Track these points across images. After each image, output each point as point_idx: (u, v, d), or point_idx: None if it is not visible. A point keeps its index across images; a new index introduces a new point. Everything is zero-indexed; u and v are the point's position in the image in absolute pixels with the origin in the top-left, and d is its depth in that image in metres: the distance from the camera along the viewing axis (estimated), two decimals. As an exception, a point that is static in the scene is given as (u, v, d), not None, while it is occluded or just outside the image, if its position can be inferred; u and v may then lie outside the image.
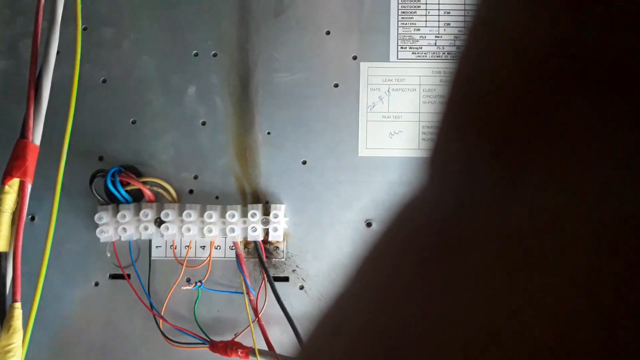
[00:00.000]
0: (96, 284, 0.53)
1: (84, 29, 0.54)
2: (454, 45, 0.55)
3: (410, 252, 0.11)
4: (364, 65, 0.54)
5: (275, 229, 0.51)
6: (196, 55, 0.54)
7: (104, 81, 0.54)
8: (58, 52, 0.51)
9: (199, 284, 0.51)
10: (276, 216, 0.51)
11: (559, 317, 0.08)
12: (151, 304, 0.51)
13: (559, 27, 0.10)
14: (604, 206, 0.09)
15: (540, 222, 0.09)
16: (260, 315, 0.50)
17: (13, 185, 0.41)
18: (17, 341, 0.40)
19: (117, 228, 0.51)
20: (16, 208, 0.42)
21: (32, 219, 0.53)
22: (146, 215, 0.51)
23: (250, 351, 0.48)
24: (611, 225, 0.09)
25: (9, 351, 0.39)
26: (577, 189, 0.09)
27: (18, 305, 0.40)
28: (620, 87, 0.09)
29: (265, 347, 0.49)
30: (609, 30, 0.10)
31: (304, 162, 0.53)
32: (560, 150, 0.10)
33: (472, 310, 0.09)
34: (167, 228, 0.51)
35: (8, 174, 0.41)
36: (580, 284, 0.09)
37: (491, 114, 0.11)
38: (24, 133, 0.43)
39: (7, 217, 0.41)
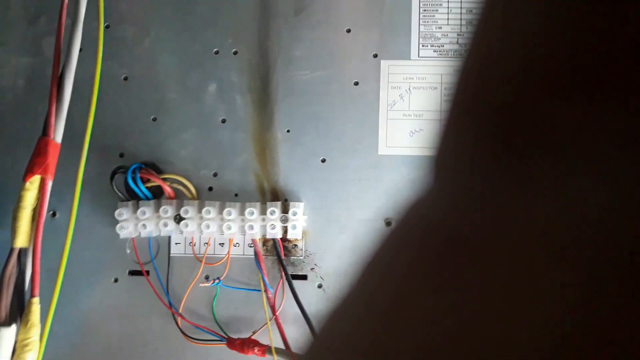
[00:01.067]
0: (115, 280, 0.52)
1: (106, 27, 0.54)
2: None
3: (420, 250, 0.11)
4: (384, 63, 0.53)
5: (294, 227, 0.50)
6: (217, 53, 0.54)
7: (126, 78, 0.54)
8: (80, 50, 0.50)
9: (217, 281, 0.50)
10: (295, 214, 0.50)
11: (568, 318, 0.08)
12: (169, 301, 0.50)
13: (565, 27, 0.10)
14: (611, 206, 0.09)
15: (547, 221, 0.09)
16: (277, 313, 0.49)
17: (34, 182, 0.41)
18: (35, 336, 0.39)
19: (137, 224, 0.50)
20: (36, 204, 0.41)
21: (54, 214, 0.52)
22: (166, 212, 0.50)
23: (267, 349, 0.47)
24: (617, 224, 0.09)
25: (26, 345, 0.39)
26: (583, 189, 0.09)
27: (36, 300, 0.40)
28: (627, 87, 0.09)
29: (282, 345, 0.48)
30: (612, 30, 0.09)
31: (323, 160, 0.52)
32: (567, 150, 0.10)
33: (484, 309, 0.09)
34: (187, 225, 0.50)
35: (29, 171, 0.41)
36: (588, 283, 0.09)
37: (497, 114, 0.11)
38: (45, 131, 0.42)
39: (27, 213, 0.40)
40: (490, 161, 0.11)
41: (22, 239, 0.40)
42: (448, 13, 0.54)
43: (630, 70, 0.09)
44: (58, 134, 0.43)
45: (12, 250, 0.40)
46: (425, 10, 0.53)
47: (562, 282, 0.09)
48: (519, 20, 0.11)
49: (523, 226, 0.10)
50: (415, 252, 0.11)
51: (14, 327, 0.40)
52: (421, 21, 0.53)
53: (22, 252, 0.40)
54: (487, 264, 0.10)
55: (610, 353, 0.08)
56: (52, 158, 0.42)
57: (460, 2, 0.53)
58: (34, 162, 0.41)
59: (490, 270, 0.09)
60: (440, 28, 0.54)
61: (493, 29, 0.11)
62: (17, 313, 0.40)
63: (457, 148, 0.12)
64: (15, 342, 0.39)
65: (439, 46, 0.53)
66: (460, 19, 0.53)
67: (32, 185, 0.40)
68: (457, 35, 0.53)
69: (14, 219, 0.40)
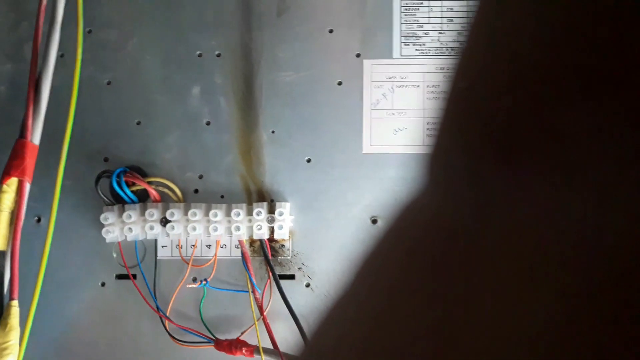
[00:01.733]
0: (102, 284, 0.51)
1: (89, 32, 0.53)
2: (457, 42, 0.53)
3: (412, 251, 0.11)
4: (367, 63, 0.52)
5: (281, 227, 0.49)
6: (200, 55, 0.53)
7: (109, 83, 0.53)
8: (62, 55, 0.50)
9: (204, 282, 0.49)
10: (281, 214, 0.49)
11: (564, 318, 0.08)
12: (157, 305, 0.49)
13: (560, 31, 0.10)
14: (608, 207, 0.09)
15: (543, 221, 0.09)
16: (265, 314, 0.48)
17: (11, 184, 0.40)
18: (14, 339, 0.39)
19: (122, 228, 0.50)
20: (15, 207, 0.40)
21: (39, 220, 0.52)
22: (152, 215, 0.49)
23: (255, 349, 0.46)
24: (616, 226, 0.09)
25: (5, 348, 0.38)
26: (580, 190, 0.09)
27: (15, 303, 0.39)
28: (623, 88, 0.09)
29: (270, 345, 0.47)
30: (610, 30, 0.09)
31: (309, 160, 0.51)
32: (563, 151, 0.09)
33: (476, 309, 0.09)
34: (173, 227, 0.49)
35: (6, 173, 0.40)
36: (584, 285, 0.08)
37: (493, 114, 0.11)
38: (23, 133, 0.42)
39: (5, 216, 0.39)
40: (485, 162, 0.10)
41: (0, 242, 0.39)
42: (429, 12, 0.53)
43: (629, 74, 0.09)
44: (36, 136, 0.42)
45: (-10, 253, 0.39)
46: (406, 10, 0.53)
47: (556, 283, 0.09)
48: (514, 23, 0.10)
49: (517, 227, 0.09)
50: (408, 252, 0.11)
51: (-7, 330, 0.39)
52: (402, 20, 0.53)
53: (0, 256, 0.39)
54: (480, 264, 0.09)
55: (613, 353, 0.08)
56: (30, 160, 0.41)
57: (441, 0, 0.53)
58: (11, 164, 0.40)
59: (484, 271, 0.09)
60: (422, 27, 0.53)
61: (487, 30, 0.11)
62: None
63: (451, 149, 0.12)
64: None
65: (420, 44, 0.53)
66: (441, 17, 0.53)
67: (9, 188, 0.40)
68: (439, 33, 0.53)
69: (-8, 222, 0.39)
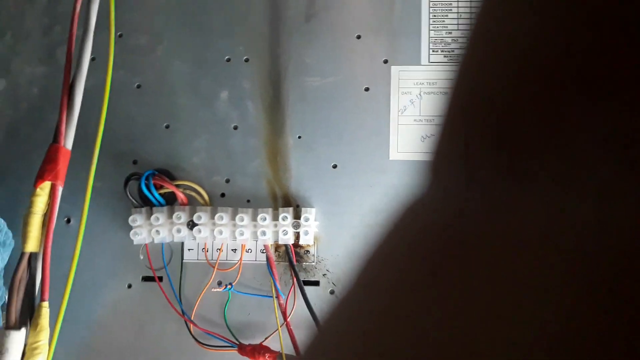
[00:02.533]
0: (129, 286, 0.51)
1: (119, 36, 0.53)
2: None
3: (412, 253, 0.11)
4: (394, 69, 0.52)
5: (306, 233, 0.49)
6: (228, 60, 0.53)
7: (139, 86, 0.53)
8: (94, 59, 0.50)
9: (229, 286, 0.49)
10: (307, 219, 0.49)
11: (564, 320, 0.08)
12: (182, 308, 0.49)
13: (563, 30, 0.10)
14: (609, 209, 0.09)
15: (544, 225, 0.09)
16: (289, 319, 0.48)
17: (44, 188, 0.40)
18: (44, 339, 0.39)
19: (150, 230, 0.50)
20: (47, 210, 0.41)
21: (68, 221, 0.52)
22: (179, 218, 0.49)
23: (278, 355, 0.46)
24: (617, 226, 0.09)
25: (35, 348, 0.38)
26: (581, 192, 0.09)
27: (46, 304, 0.40)
28: (625, 90, 0.09)
29: (293, 352, 0.46)
30: (611, 32, 0.09)
31: (335, 166, 0.51)
32: (564, 154, 0.09)
33: (482, 310, 0.09)
34: (200, 230, 0.49)
35: (40, 177, 0.40)
36: (585, 286, 0.08)
37: (494, 117, 0.10)
38: (56, 138, 0.42)
39: (38, 219, 0.40)
40: (487, 165, 0.10)
41: (32, 244, 0.39)
42: (458, 18, 0.53)
43: (631, 70, 0.09)
44: (68, 141, 0.42)
45: (22, 254, 0.40)
46: (434, 16, 0.52)
47: (560, 285, 0.08)
48: (515, 21, 0.10)
49: (520, 229, 0.09)
50: (409, 254, 0.11)
51: (23, 330, 0.39)
52: (431, 26, 0.52)
53: (33, 257, 0.40)
54: (484, 266, 0.09)
55: (612, 353, 0.08)
56: (63, 164, 0.41)
57: (470, 6, 0.52)
58: (45, 168, 0.41)
59: (488, 273, 0.09)
60: (450, 33, 0.52)
61: (489, 31, 0.11)
62: (27, 317, 0.40)
63: (453, 152, 0.11)
64: (25, 345, 0.39)
65: (449, 51, 0.52)
66: (471, 24, 0.52)
67: (42, 191, 0.40)
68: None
69: (25, 224, 0.40)
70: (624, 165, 0.09)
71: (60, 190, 0.41)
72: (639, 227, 0.08)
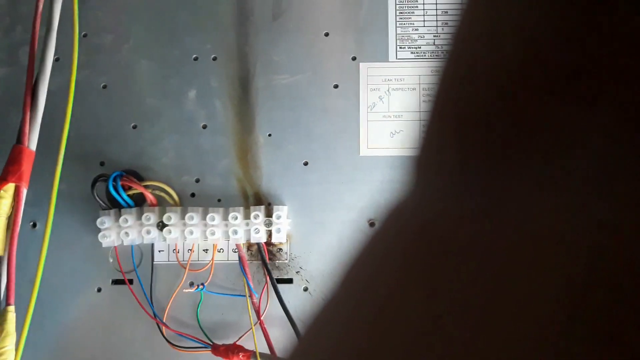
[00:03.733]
0: (99, 290, 0.50)
1: (84, 36, 0.52)
2: (450, 42, 0.53)
3: (406, 253, 0.11)
4: (363, 66, 0.51)
5: (278, 231, 0.48)
6: (196, 59, 0.52)
7: (104, 87, 0.52)
8: (58, 59, 0.49)
9: (201, 287, 0.48)
10: (279, 217, 0.48)
11: (553, 321, 0.08)
12: (153, 310, 0.48)
13: (554, 28, 0.09)
14: (598, 209, 0.09)
15: (533, 224, 0.09)
16: (262, 318, 0.47)
17: (8, 190, 0.39)
18: (10, 345, 0.37)
19: (119, 232, 0.48)
20: (11, 213, 0.39)
21: (34, 225, 0.50)
22: (148, 219, 0.48)
23: (252, 354, 0.45)
24: (612, 224, 0.08)
25: (1, 354, 0.37)
26: (575, 188, 0.09)
27: (11, 308, 0.38)
28: (615, 88, 0.09)
29: (268, 350, 0.46)
30: (604, 30, 0.09)
31: (306, 163, 0.50)
32: (556, 150, 0.09)
33: (473, 310, 0.09)
34: (170, 231, 0.48)
35: (3, 179, 0.39)
36: (581, 285, 0.08)
37: (483, 113, 0.10)
38: (19, 139, 0.40)
39: (2, 222, 0.38)
40: (477, 162, 0.10)
41: (-3, 248, 0.38)
42: (424, 15, 0.53)
43: (624, 73, 0.09)
44: (32, 142, 0.41)
45: (-14, 259, 0.38)
46: (401, 13, 0.52)
47: (554, 283, 0.08)
48: (504, 17, 0.10)
49: (512, 227, 0.09)
50: (401, 254, 0.11)
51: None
52: (398, 23, 0.52)
53: (-3, 261, 0.38)
54: (476, 265, 0.09)
55: (610, 353, 0.08)
56: (27, 166, 0.40)
57: (436, 3, 0.52)
58: (8, 170, 0.39)
59: (479, 272, 0.09)
60: (417, 30, 0.53)
61: (478, 26, 0.11)
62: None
63: (442, 149, 0.11)
64: (-10, 353, 0.37)
65: (416, 48, 0.52)
66: (436, 20, 0.53)
67: (6, 194, 0.38)
68: (434, 36, 0.52)
69: (-12, 227, 0.38)
70: (617, 165, 0.09)
71: (24, 192, 0.40)
72: (636, 224, 0.08)
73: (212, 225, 0.48)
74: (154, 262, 0.50)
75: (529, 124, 0.10)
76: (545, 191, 0.09)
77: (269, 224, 0.48)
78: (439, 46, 0.53)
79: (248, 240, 0.49)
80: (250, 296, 0.48)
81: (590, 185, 0.09)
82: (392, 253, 0.11)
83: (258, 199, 0.50)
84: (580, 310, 0.08)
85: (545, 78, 0.09)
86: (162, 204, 0.50)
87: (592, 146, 0.09)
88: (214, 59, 0.52)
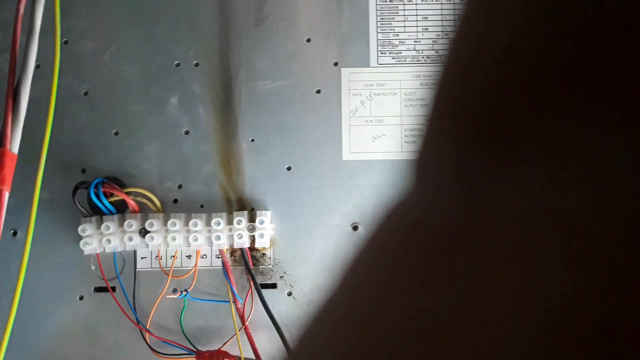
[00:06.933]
0: (81, 298, 0.49)
1: (65, 42, 0.51)
2: (433, 49, 0.53)
3: (399, 255, 0.10)
4: (345, 71, 0.51)
5: (262, 236, 0.48)
6: (178, 65, 0.52)
7: (86, 93, 0.51)
8: (38, 66, 0.48)
9: (185, 293, 0.48)
10: (262, 222, 0.48)
11: (553, 319, 0.08)
12: (136, 317, 0.48)
13: (554, 24, 0.09)
14: (598, 207, 0.08)
15: (533, 220, 0.09)
16: (247, 323, 0.47)
17: (-12, 194, 0.38)
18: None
19: (101, 240, 0.48)
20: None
21: (15, 234, 0.49)
22: (130, 226, 0.48)
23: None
24: (605, 225, 0.08)
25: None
26: (569, 188, 0.09)
27: (-9, 319, 0.37)
28: (611, 88, 0.09)
29: (252, 356, 0.45)
30: (599, 32, 0.09)
31: (289, 168, 0.50)
32: (552, 149, 0.09)
33: (466, 312, 0.09)
34: (152, 238, 0.47)
35: (-17, 184, 0.38)
36: (578, 282, 0.08)
37: (482, 115, 0.10)
38: (1, 141, 0.40)
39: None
40: (474, 163, 0.10)
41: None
42: (404, 21, 0.53)
43: (620, 71, 0.09)
44: (14, 145, 0.40)
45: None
46: (382, 19, 0.53)
47: (548, 282, 0.08)
48: (500, 19, 0.10)
49: (508, 227, 0.09)
50: (395, 257, 0.11)
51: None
52: (379, 29, 0.52)
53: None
54: (470, 266, 0.09)
55: (610, 350, 0.08)
56: (9, 169, 0.39)
57: (416, 9, 0.53)
58: (-11, 174, 0.38)
59: (474, 273, 0.09)
60: (397, 35, 0.53)
61: (474, 29, 0.11)
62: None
63: (439, 150, 0.11)
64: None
65: (397, 53, 0.52)
66: (417, 26, 0.53)
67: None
68: (414, 42, 0.53)
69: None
70: (615, 163, 0.09)
71: (6, 195, 0.39)
72: (630, 220, 0.08)
73: (195, 232, 0.47)
74: (137, 269, 0.49)
75: (524, 125, 0.10)
76: (543, 192, 0.09)
77: (252, 229, 0.48)
78: (420, 51, 0.53)
79: (231, 246, 0.48)
80: (235, 302, 0.47)
81: (588, 185, 0.09)
82: (387, 255, 0.11)
83: (241, 205, 0.50)
84: (576, 308, 0.08)
85: (539, 77, 0.09)
86: (144, 211, 0.49)
87: (589, 145, 0.09)
88: (196, 65, 0.52)
